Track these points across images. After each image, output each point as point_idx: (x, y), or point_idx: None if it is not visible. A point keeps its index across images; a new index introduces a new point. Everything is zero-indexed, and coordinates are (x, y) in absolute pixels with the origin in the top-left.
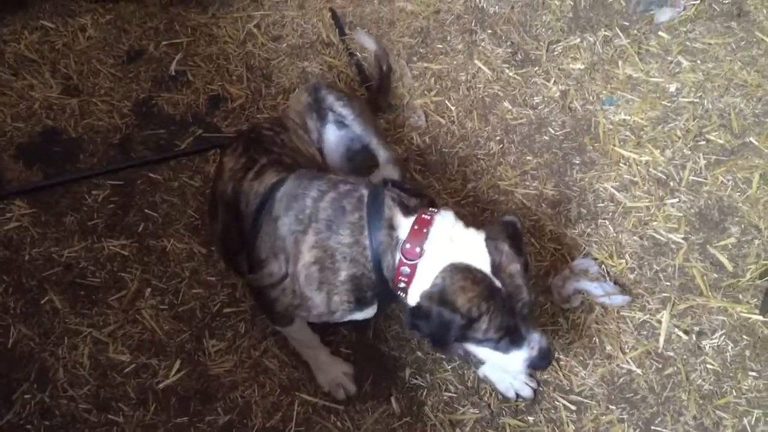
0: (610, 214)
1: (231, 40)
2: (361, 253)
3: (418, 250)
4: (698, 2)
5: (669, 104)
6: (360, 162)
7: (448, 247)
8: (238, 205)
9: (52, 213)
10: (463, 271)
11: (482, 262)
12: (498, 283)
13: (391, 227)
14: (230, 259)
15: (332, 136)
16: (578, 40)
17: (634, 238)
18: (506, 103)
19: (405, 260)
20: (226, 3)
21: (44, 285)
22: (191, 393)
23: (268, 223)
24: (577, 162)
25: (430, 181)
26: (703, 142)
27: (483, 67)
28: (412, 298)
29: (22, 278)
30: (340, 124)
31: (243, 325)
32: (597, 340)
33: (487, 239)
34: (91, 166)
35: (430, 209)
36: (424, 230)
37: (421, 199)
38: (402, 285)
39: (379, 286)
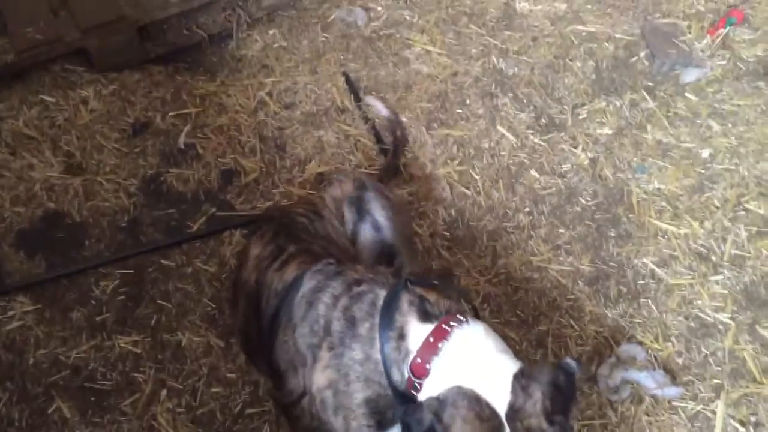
0: (652, 292)
1: (242, 110)
2: (373, 370)
3: (427, 367)
4: (724, 62)
5: (703, 171)
6: (391, 260)
7: (461, 366)
8: (259, 299)
9: (58, 308)
10: (470, 400)
11: (498, 398)
12: None
13: (402, 337)
14: (252, 358)
15: (368, 235)
16: (604, 103)
17: (680, 318)
18: (533, 172)
19: (413, 378)
20: (235, 69)
21: (51, 391)
22: None
23: (287, 330)
24: (613, 235)
25: (459, 258)
26: (743, 213)
27: (506, 134)
28: (421, 396)
29: (27, 384)
30: (377, 228)
31: (267, 427)
32: None
33: (519, 375)
34: (98, 253)
35: (458, 317)
36: (438, 344)
37: (453, 302)
38: (414, 393)
39: (399, 403)
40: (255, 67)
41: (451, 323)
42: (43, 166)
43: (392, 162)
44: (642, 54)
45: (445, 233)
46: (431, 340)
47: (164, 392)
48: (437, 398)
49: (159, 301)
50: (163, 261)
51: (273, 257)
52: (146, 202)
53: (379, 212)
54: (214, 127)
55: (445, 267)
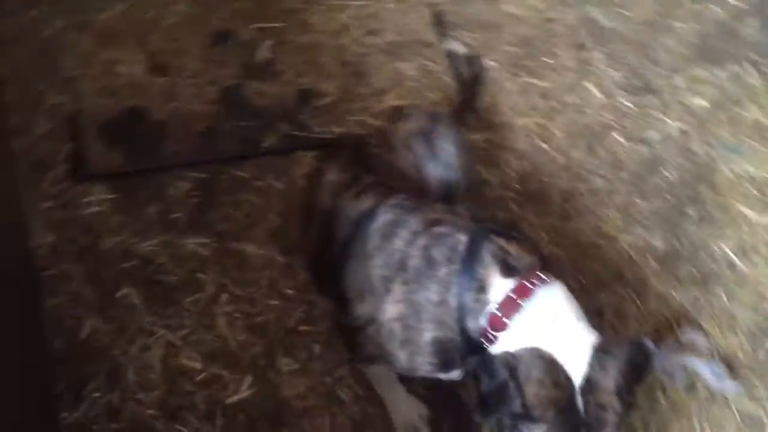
0: (725, 280)
1: (325, 30)
2: (447, 314)
3: (506, 321)
4: None
5: None
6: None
7: (542, 327)
8: (333, 224)
9: (133, 201)
10: (548, 363)
11: (575, 368)
12: (580, 404)
13: (482, 289)
14: (318, 279)
15: (436, 173)
16: (704, 72)
17: (750, 312)
18: (617, 135)
19: (489, 330)
20: None
21: (121, 277)
22: (259, 413)
23: (359, 258)
24: (692, 214)
25: (526, 213)
26: None
27: (595, 91)
28: (495, 349)
29: (100, 268)
30: (447, 164)
31: (318, 347)
32: (698, 426)
33: (597, 348)
34: (175, 154)
35: (540, 275)
36: (520, 301)
37: (535, 257)
38: (486, 344)
39: (467, 349)
40: None
41: (534, 281)
42: (129, 62)
43: (469, 100)
44: (753, 24)
45: (516, 186)
46: (513, 296)
47: (225, 296)
48: (513, 355)
49: (229, 210)
50: (235, 171)
51: (348, 185)
52: (224, 111)
53: (450, 149)
54: (296, 45)
55: (511, 220)
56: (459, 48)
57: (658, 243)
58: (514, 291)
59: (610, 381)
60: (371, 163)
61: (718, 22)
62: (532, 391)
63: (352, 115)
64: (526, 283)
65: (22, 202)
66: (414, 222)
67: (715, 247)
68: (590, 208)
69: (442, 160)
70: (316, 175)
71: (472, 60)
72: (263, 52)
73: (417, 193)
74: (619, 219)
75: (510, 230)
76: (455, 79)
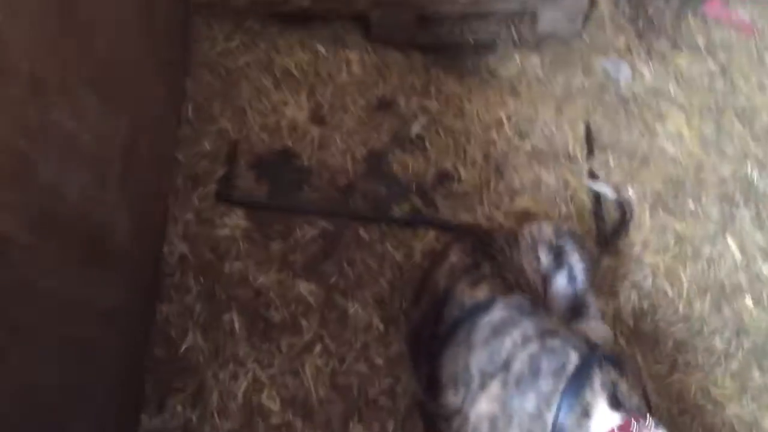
0: None
1: (478, 121)
2: (540, 428)
3: None
4: None
5: None
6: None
7: None
8: (444, 305)
9: (263, 234)
10: None
11: None
12: None
13: (586, 414)
14: (414, 355)
15: (559, 286)
16: None
17: None
18: (748, 300)
19: None
20: (485, 81)
21: (231, 303)
22: None
23: (463, 346)
24: None
25: (634, 352)
26: None
27: (734, 248)
28: None
29: (215, 288)
30: (571, 278)
31: (392, 423)
32: None
33: None
34: (312, 201)
35: (647, 420)
36: None
37: (643, 401)
38: None
39: None
40: (504, 86)
41: (642, 422)
42: (295, 107)
43: (608, 241)
44: None
45: (629, 321)
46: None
47: (319, 347)
48: None
49: (344, 265)
50: (360, 230)
51: (467, 270)
52: (365, 172)
53: (577, 264)
54: (448, 128)
55: (619, 355)
56: (608, 192)
57: (767, 424)
58: (620, 428)
59: None
60: (496, 257)
61: None
62: None
63: (482, 207)
64: (634, 422)
65: (170, 208)
66: (529, 326)
67: None
68: (702, 366)
69: (568, 274)
70: (438, 254)
71: (621, 204)
72: (416, 127)
73: (536, 298)
74: (731, 387)
75: (622, 364)
76: (596, 222)
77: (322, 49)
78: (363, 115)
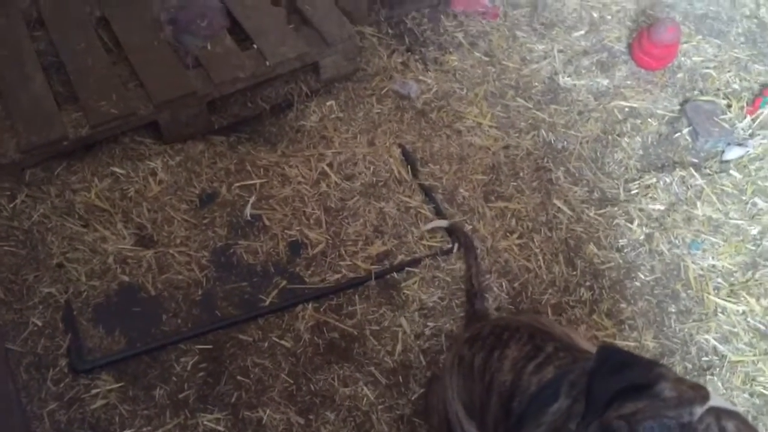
0: (717, 369)
1: (304, 180)
2: None
3: None
4: (765, 141)
5: (754, 248)
6: None
7: None
8: (512, 399)
9: (140, 386)
10: None
11: None
12: None
13: None
14: None
15: None
16: (654, 179)
17: (745, 395)
18: (591, 246)
19: None
20: (295, 140)
21: None
22: None
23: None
24: (673, 311)
25: None
26: None
27: (563, 207)
28: None
29: None
30: None
31: None
32: None
33: None
34: (176, 328)
35: None
36: None
37: None
38: None
39: None
40: (314, 138)
41: None
42: (116, 239)
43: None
44: (685, 130)
45: (510, 307)
46: None
47: None
48: None
49: (238, 377)
50: (239, 335)
51: (529, 358)
52: (218, 275)
53: None
54: (279, 198)
55: None
56: (442, 223)
57: (650, 343)
58: None
59: None
60: (553, 335)
61: (656, 133)
62: None
63: (343, 260)
64: None
65: (26, 410)
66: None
67: (701, 339)
68: (582, 318)
69: None
70: (432, 379)
71: (454, 228)
72: (248, 209)
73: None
74: (610, 325)
75: None
76: (436, 210)
77: (119, 170)
78: (190, 219)
